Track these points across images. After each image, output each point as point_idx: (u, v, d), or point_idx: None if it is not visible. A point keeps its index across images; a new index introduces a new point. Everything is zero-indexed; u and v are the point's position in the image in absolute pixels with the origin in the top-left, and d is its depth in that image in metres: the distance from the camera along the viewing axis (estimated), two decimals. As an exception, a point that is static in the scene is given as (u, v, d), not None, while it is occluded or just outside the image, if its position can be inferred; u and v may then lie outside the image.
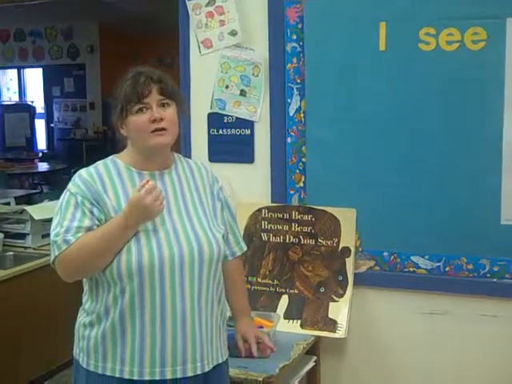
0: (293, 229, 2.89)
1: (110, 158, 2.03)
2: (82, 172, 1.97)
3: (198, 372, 1.95)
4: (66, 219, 1.89)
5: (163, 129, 1.92)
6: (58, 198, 1.99)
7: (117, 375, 1.91)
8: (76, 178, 1.96)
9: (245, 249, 2.27)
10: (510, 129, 2.58)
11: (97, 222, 1.90)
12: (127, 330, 1.89)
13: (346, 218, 2.82)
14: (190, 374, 1.93)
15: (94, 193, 1.92)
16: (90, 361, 1.95)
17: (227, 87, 2.96)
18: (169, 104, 1.95)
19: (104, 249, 1.85)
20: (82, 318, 2.01)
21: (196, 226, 1.98)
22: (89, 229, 1.88)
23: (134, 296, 1.88)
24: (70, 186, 1.95)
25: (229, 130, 3.00)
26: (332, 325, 2.78)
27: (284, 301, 2.88)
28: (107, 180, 1.95)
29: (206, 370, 1.97)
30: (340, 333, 2.77)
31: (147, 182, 1.84)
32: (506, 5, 2.54)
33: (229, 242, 2.18)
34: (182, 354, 1.91)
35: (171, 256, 1.89)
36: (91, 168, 1.99)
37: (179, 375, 1.92)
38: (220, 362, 2.05)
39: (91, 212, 1.90)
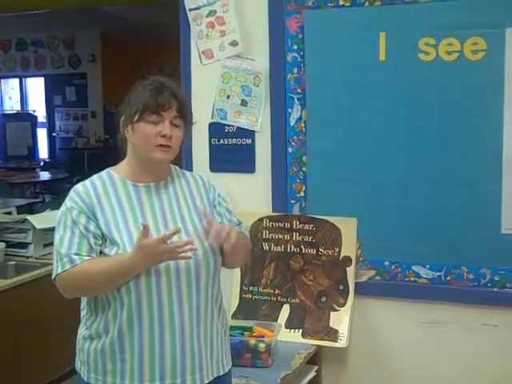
0: (294, 238, 2.89)
1: (105, 170, 2.02)
2: (78, 186, 1.97)
3: None
4: (66, 237, 1.90)
5: (168, 146, 1.93)
6: (59, 207, 1.98)
7: None
8: (72, 192, 1.96)
9: (243, 223, 2.20)
10: (510, 138, 2.58)
11: (93, 240, 1.89)
12: (126, 345, 1.89)
13: (347, 227, 2.82)
14: None
15: (90, 206, 1.91)
16: (90, 374, 1.95)
17: (228, 97, 2.97)
18: (180, 124, 1.95)
19: (105, 282, 1.87)
20: (81, 331, 2.01)
21: (192, 236, 1.96)
22: (89, 247, 1.89)
23: (131, 310, 1.88)
24: (66, 200, 1.95)
25: (230, 139, 3.01)
26: (333, 334, 2.78)
27: (285, 310, 2.88)
28: (103, 194, 1.95)
29: (206, 381, 1.96)
30: (341, 342, 2.77)
31: (176, 231, 1.84)
32: (505, 15, 2.55)
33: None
34: (181, 367, 1.91)
35: (167, 268, 1.89)
36: (87, 182, 1.98)
37: None
38: (221, 374, 2.04)
39: (87, 229, 1.89)
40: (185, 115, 1.97)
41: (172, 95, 1.93)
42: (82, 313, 2.01)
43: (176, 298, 1.90)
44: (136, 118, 1.92)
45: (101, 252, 1.91)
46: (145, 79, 1.99)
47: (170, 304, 1.89)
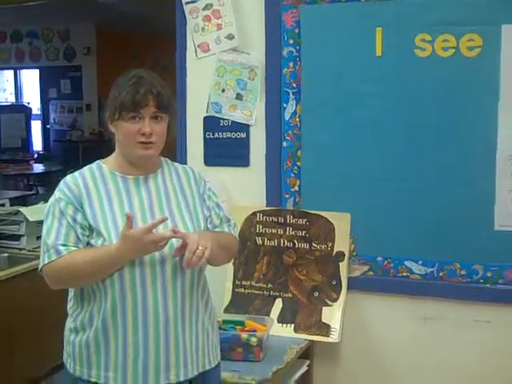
0: (287, 233, 2.89)
1: (96, 162, 2.03)
2: (67, 178, 1.98)
3: (181, 379, 1.94)
4: (54, 228, 1.90)
5: (150, 142, 1.93)
6: (53, 199, 1.99)
7: (101, 381, 1.91)
8: (61, 183, 1.97)
9: (232, 220, 2.19)
10: (505, 135, 2.59)
11: (80, 231, 1.90)
12: (110, 338, 1.90)
13: (341, 222, 2.82)
14: (173, 380, 1.93)
15: (78, 197, 1.92)
16: (76, 366, 1.96)
17: (223, 91, 2.97)
18: (162, 118, 1.95)
19: (90, 273, 1.87)
20: (68, 323, 2.01)
21: (179, 229, 1.94)
22: (77, 238, 1.89)
23: (115, 302, 1.88)
24: (55, 191, 1.96)
25: (224, 133, 3.00)
26: (325, 329, 2.78)
27: (278, 305, 2.88)
28: (92, 186, 1.95)
29: (190, 376, 1.96)
30: (333, 337, 2.77)
31: (162, 219, 1.85)
32: (500, 11, 2.55)
33: (214, 223, 2.11)
34: (165, 361, 1.91)
35: (152, 260, 1.89)
36: (76, 173, 1.99)
37: (162, 382, 1.92)
38: (207, 368, 2.03)
39: (74, 220, 1.90)
40: (165, 109, 1.95)
41: (149, 92, 1.91)
42: (69, 305, 2.02)
43: (160, 291, 1.90)
44: (116, 116, 1.92)
45: (88, 243, 1.91)
46: (127, 73, 1.98)
47: (155, 297, 1.89)
